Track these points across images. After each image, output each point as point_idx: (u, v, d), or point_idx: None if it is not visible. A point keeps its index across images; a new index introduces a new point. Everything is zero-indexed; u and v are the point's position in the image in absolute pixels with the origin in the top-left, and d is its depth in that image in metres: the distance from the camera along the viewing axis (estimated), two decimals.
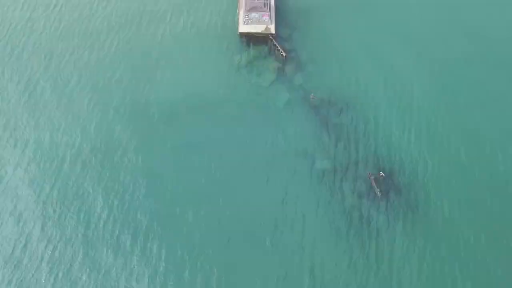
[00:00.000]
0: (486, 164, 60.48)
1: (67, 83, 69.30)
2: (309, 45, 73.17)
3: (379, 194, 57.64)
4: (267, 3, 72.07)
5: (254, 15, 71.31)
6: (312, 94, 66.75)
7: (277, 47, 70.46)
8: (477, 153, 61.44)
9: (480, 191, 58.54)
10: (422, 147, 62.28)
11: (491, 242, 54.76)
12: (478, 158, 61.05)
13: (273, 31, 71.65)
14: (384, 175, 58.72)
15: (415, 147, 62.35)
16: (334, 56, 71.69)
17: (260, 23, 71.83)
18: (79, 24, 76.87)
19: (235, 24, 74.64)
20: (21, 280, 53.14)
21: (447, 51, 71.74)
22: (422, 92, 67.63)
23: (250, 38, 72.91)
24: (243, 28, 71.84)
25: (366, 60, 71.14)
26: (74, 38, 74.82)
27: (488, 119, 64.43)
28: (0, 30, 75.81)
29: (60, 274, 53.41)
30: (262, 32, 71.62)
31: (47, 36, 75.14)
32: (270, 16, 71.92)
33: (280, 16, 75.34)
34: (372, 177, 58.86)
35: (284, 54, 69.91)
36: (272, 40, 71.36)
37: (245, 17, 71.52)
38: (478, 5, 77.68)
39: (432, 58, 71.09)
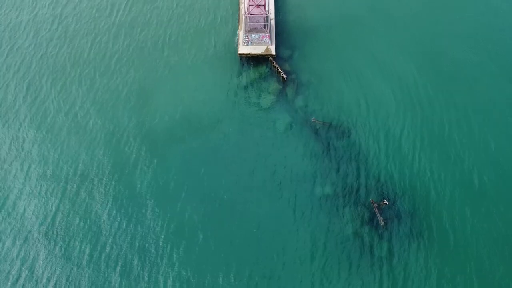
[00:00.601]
0: (496, 193, 59.38)
1: (71, 107, 68.38)
2: (310, 66, 72.16)
3: (382, 222, 56.39)
4: (267, 25, 70.95)
5: (254, 36, 70.27)
6: (314, 117, 65.64)
7: (278, 69, 69.39)
8: (488, 181, 60.44)
9: (489, 219, 57.41)
10: (428, 173, 61.21)
11: (507, 273, 53.80)
12: (487, 186, 60.08)
13: (273, 52, 70.67)
14: (387, 202, 57.52)
15: (421, 173, 61.29)
16: (335, 77, 70.71)
17: (260, 44, 70.84)
18: (86, 49, 75.81)
19: (235, 45, 73.62)
20: None
21: (450, 72, 71.33)
22: (426, 118, 66.38)
23: (250, 59, 71.83)
24: (243, 49, 70.79)
25: (367, 82, 70.23)
26: (81, 63, 73.80)
27: (497, 144, 63.76)
28: None
29: None
30: (262, 53, 70.60)
31: (55, 59, 74.41)
32: (270, 37, 70.90)
33: (280, 36, 74.40)
34: (375, 205, 57.63)
35: (284, 76, 68.81)
36: (272, 62, 70.24)
37: (245, 38, 70.46)
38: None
39: (437, 83, 70.21)
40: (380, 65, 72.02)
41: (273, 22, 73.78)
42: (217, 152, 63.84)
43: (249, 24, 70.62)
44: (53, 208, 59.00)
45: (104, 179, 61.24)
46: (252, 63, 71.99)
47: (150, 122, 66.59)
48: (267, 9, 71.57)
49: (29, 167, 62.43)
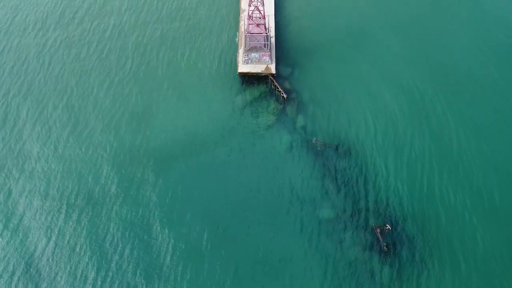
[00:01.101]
0: (509, 215, 57.53)
1: (62, 131, 67.62)
2: (311, 84, 70.94)
3: (385, 248, 55.65)
4: (267, 44, 69.98)
5: (254, 55, 69.37)
6: (315, 138, 64.72)
7: (278, 88, 68.53)
8: (499, 202, 58.49)
9: (502, 244, 55.36)
10: (437, 195, 59.26)
11: None
12: (499, 208, 58.07)
13: (273, 70, 69.69)
14: (390, 228, 56.71)
15: (429, 195, 59.31)
16: (337, 96, 69.23)
17: (260, 63, 69.90)
18: (88, 68, 75.10)
19: (235, 63, 72.70)
20: None
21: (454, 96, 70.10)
22: (435, 137, 64.46)
23: (250, 78, 70.90)
24: (243, 68, 69.85)
25: (371, 99, 68.56)
26: (83, 81, 73.21)
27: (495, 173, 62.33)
28: None
29: None
30: (262, 72, 69.61)
31: (58, 78, 73.84)
32: (270, 55, 69.99)
33: (280, 52, 73.23)
34: (378, 230, 56.86)
35: (285, 96, 67.94)
36: (272, 81, 69.38)
37: (244, 57, 69.59)
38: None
39: (446, 99, 68.26)
40: (385, 81, 70.31)
41: (273, 39, 72.82)
42: (218, 173, 62.77)
43: (249, 43, 69.68)
44: (56, 231, 58.06)
45: (107, 201, 60.42)
46: (252, 82, 70.98)
47: (151, 143, 65.66)
48: (267, 27, 70.55)
49: (31, 189, 61.68)
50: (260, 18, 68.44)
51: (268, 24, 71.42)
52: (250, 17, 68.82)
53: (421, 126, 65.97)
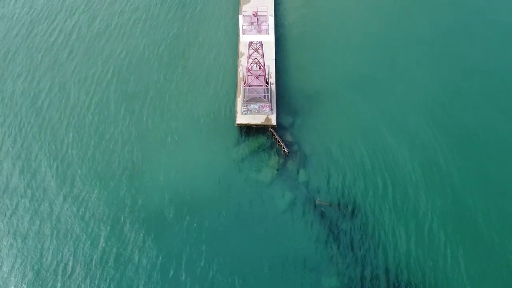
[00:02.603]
0: None
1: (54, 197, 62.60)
2: (314, 135, 66.45)
3: None
4: (267, 96, 65.58)
5: (253, 106, 65.05)
6: (318, 199, 60.06)
7: (279, 142, 64.01)
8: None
9: None
10: (443, 266, 54.60)
11: None
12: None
13: (274, 122, 65.28)
14: None
15: (448, 268, 54.39)
16: (342, 149, 64.71)
17: (260, 113, 65.62)
18: (86, 121, 70.82)
19: (233, 113, 68.19)
20: None
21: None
22: (456, 196, 59.64)
23: (249, 129, 66.60)
24: (241, 119, 65.51)
25: (381, 153, 64.19)
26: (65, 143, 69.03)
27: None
28: None
29: None
30: (262, 123, 65.27)
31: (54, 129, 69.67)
32: (271, 106, 65.55)
33: (282, 99, 68.79)
34: None
35: (286, 151, 63.38)
36: (273, 134, 64.88)
37: (243, 108, 65.27)
38: None
39: (468, 153, 63.79)
40: (397, 133, 65.84)
41: (273, 86, 68.62)
42: (214, 233, 58.43)
43: (248, 95, 65.32)
44: None
45: (93, 270, 55.97)
46: (251, 133, 66.60)
47: (143, 201, 61.39)
48: (267, 76, 66.15)
49: (16, 256, 57.38)
50: (259, 69, 64.06)
51: (269, 73, 66.85)
52: (248, 69, 64.47)
53: (442, 186, 60.98)
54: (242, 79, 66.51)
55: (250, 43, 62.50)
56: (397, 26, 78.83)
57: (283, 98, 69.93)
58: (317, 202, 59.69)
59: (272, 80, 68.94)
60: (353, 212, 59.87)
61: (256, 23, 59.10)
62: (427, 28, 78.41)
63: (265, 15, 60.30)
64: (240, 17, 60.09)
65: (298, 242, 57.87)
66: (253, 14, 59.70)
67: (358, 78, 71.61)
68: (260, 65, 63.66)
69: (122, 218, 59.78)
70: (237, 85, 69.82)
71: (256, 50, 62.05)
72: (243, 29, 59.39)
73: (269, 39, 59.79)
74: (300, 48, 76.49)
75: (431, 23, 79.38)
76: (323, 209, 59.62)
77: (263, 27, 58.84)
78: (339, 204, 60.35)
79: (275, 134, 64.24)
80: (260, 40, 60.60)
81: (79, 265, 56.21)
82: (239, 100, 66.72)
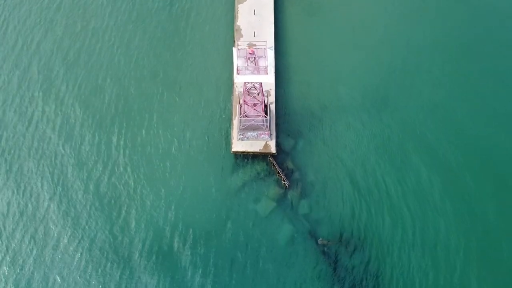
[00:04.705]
0: None
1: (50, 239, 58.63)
2: (316, 160, 61.54)
3: None
4: (266, 125, 59.65)
5: (250, 133, 59.76)
6: (321, 238, 55.94)
7: (279, 172, 59.29)
8: None
9: None
10: None
11: None
12: None
13: (273, 149, 60.23)
14: None
15: None
16: (348, 176, 60.15)
17: (258, 140, 60.67)
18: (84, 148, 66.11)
19: (229, 138, 62.91)
20: None
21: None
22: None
23: (247, 156, 61.85)
24: (238, 146, 60.45)
25: (390, 182, 59.78)
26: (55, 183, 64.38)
27: None
28: None
29: None
30: (261, 151, 60.42)
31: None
32: (270, 133, 60.26)
33: (281, 121, 63.50)
34: None
35: (287, 184, 58.79)
36: (272, 163, 60.12)
37: (239, 135, 60.17)
38: None
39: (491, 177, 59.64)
40: (407, 159, 61.08)
41: (273, 106, 63.36)
42: (207, 273, 55.16)
43: (243, 124, 59.74)
44: None
45: None
46: (248, 160, 61.85)
47: (129, 233, 57.89)
48: (266, 105, 59.52)
49: None
50: (257, 94, 57.79)
51: (268, 98, 60.57)
52: (245, 101, 57.41)
53: (463, 224, 57.02)
54: (238, 102, 60.69)
55: (245, 84, 55.74)
56: (404, 45, 71.37)
57: (284, 117, 64.63)
58: (319, 242, 55.73)
59: (272, 98, 63.67)
60: (358, 248, 56.44)
61: (253, 59, 50.88)
62: (439, 46, 70.97)
63: (264, 48, 51.55)
64: (234, 50, 51.51)
65: (299, 277, 54.86)
66: (250, 53, 50.97)
67: (364, 99, 65.92)
68: (259, 100, 57.40)
69: (105, 253, 56.33)
70: (232, 105, 64.09)
71: (250, 93, 55.36)
72: (237, 68, 51.05)
73: (268, 80, 51.85)
74: (302, 60, 70.34)
75: (443, 42, 71.52)
76: (325, 249, 55.65)
77: (261, 63, 50.52)
78: (342, 239, 56.47)
79: (274, 164, 59.50)
80: (260, 81, 53.95)
81: None
82: (235, 123, 61.52)
